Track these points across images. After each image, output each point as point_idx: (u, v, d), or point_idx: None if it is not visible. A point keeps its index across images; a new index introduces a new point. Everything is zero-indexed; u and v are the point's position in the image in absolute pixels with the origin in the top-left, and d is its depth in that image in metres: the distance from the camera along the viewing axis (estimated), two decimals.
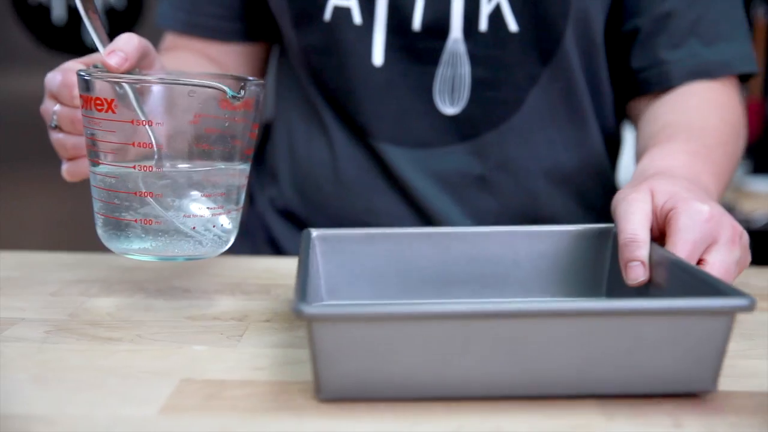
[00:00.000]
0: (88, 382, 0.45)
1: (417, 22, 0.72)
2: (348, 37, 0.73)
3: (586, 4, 0.73)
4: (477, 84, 0.74)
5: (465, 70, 0.73)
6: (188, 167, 0.54)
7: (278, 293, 0.63)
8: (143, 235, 0.54)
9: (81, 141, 0.58)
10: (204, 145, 0.54)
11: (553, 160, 0.78)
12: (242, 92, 0.53)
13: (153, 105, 0.53)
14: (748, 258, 0.58)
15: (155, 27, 0.85)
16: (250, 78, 0.55)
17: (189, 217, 0.54)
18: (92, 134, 0.54)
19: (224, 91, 0.52)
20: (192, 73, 0.64)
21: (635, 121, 0.79)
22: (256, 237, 0.86)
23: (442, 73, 0.74)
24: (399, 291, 0.58)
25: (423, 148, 0.76)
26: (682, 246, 0.51)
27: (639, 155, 0.71)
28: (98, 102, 0.53)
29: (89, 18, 0.57)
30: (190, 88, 0.53)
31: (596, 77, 0.78)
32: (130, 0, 1.62)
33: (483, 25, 0.72)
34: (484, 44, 0.73)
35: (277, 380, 0.45)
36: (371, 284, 0.58)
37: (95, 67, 0.58)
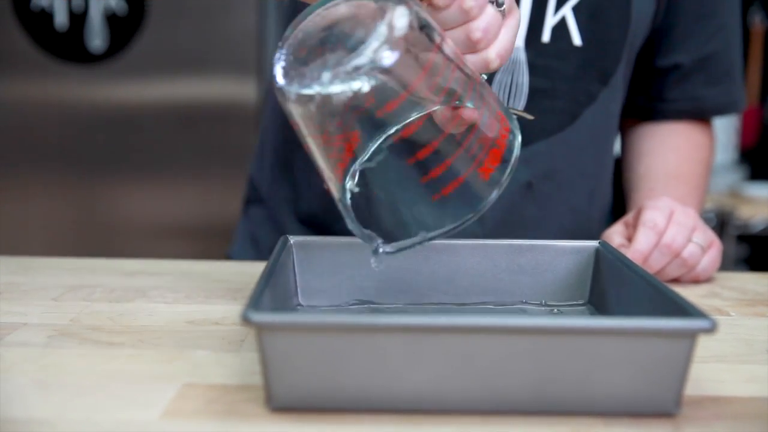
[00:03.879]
0: (89, 386, 0.45)
1: None
2: None
3: (639, 28, 0.77)
4: (534, 93, 0.74)
5: (524, 78, 0.74)
6: None
7: None
8: None
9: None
10: None
11: (597, 180, 0.81)
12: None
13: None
14: (717, 259, 0.71)
15: None
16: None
17: None
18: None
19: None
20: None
21: (623, 135, 0.88)
22: (267, 243, 0.85)
23: (500, 79, 0.74)
24: (377, 301, 0.57)
25: None
26: (646, 215, 0.67)
27: (625, 190, 0.84)
28: None
29: None
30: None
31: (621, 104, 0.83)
32: (132, 6, 1.63)
33: (546, 36, 0.73)
34: (545, 55, 0.74)
35: None
36: (349, 294, 0.57)
37: None
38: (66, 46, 1.63)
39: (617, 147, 0.87)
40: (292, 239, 0.57)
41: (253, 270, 0.72)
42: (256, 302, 0.42)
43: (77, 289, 0.65)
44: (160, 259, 0.76)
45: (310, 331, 0.41)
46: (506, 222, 0.77)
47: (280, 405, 0.42)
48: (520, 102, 0.75)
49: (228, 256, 0.89)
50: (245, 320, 0.40)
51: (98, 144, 1.66)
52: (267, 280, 0.47)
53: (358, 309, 0.57)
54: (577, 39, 0.74)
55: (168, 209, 1.70)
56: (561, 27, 0.73)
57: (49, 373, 0.47)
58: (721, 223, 1.81)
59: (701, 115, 0.85)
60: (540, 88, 0.74)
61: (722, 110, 0.86)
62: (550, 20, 0.73)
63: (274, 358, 0.41)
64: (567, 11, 0.73)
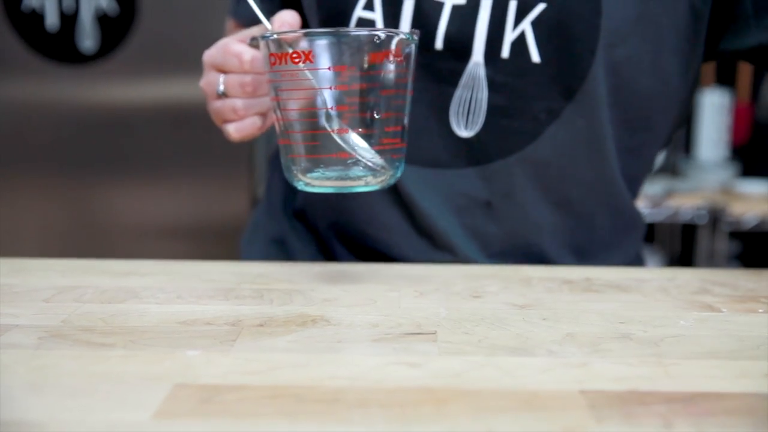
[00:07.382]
0: (81, 387, 0.45)
1: (440, 40, 0.72)
2: None
3: (618, 39, 0.71)
4: (493, 110, 0.73)
5: (483, 95, 0.73)
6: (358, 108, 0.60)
7: (272, 298, 0.63)
8: (330, 170, 0.60)
9: (252, 102, 0.67)
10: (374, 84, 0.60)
11: (563, 195, 0.77)
12: (414, 36, 0.60)
13: (338, 54, 0.59)
14: None
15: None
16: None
17: (369, 150, 0.60)
18: (284, 86, 0.60)
19: (401, 35, 0.59)
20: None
21: None
22: (266, 237, 0.87)
23: (460, 95, 0.73)
24: None
25: (433, 167, 0.76)
26: None
27: None
28: (295, 55, 0.59)
29: None
30: (375, 35, 0.58)
31: (626, 113, 0.76)
32: (123, 6, 1.62)
33: (505, 52, 0.71)
34: (504, 71, 0.72)
35: (270, 385, 0.45)
36: None
37: (255, 39, 0.65)
38: (57, 46, 1.63)
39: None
40: None
41: (241, 270, 0.72)
42: None
43: (68, 290, 0.65)
44: (151, 260, 0.76)
45: None
46: (468, 238, 0.77)
47: None
48: (479, 119, 0.74)
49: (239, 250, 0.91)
50: None
51: (91, 145, 1.65)
52: None
53: None
54: (535, 56, 0.71)
55: (161, 210, 1.69)
56: (520, 43, 0.71)
57: (41, 374, 0.47)
58: (713, 220, 1.82)
59: None
60: (498, 105, 0.73)
61: None
62: (509, 35, 0.71)
63: None
64: (526, 26, 0.71)
